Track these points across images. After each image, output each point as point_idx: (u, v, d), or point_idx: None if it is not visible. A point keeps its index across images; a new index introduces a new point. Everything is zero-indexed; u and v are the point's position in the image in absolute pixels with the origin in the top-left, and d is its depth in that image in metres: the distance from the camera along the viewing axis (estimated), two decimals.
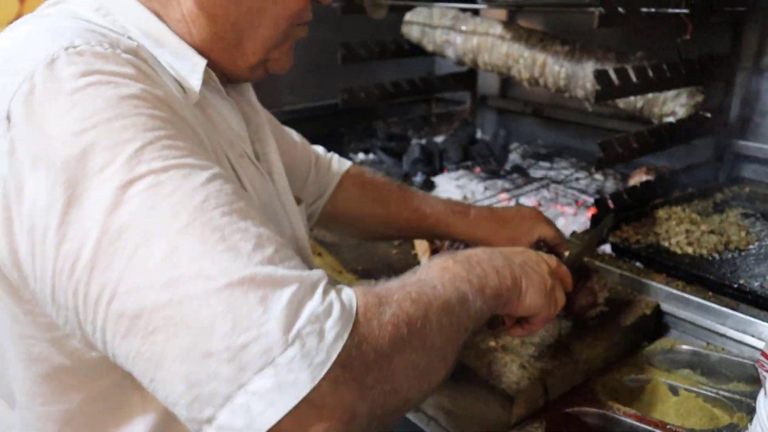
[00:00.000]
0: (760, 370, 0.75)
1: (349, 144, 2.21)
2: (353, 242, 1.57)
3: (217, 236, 0.58)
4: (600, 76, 1.38)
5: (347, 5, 2.02)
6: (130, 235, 0.57)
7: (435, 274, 0.73)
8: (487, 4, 1.74)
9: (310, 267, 0.68)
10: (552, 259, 0.95)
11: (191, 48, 0.79)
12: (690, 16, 1.43)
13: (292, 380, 0.54)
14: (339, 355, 0.57)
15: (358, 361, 0.58)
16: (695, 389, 1.09)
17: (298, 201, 1.04)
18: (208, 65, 0.80)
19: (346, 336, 0.58)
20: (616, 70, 1.42)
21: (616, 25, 1.36)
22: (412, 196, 1.28)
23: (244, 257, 0.58)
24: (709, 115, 1.73)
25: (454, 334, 0.70)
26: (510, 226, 1.23)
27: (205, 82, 0.79)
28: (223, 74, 0.86)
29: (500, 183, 1.98)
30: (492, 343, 1.13)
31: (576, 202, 1.86)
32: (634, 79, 1.46)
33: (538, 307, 0.87)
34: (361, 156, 2.21)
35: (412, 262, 1.44)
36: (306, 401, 0.54)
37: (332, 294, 0.60)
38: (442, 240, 1.38)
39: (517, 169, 2.10)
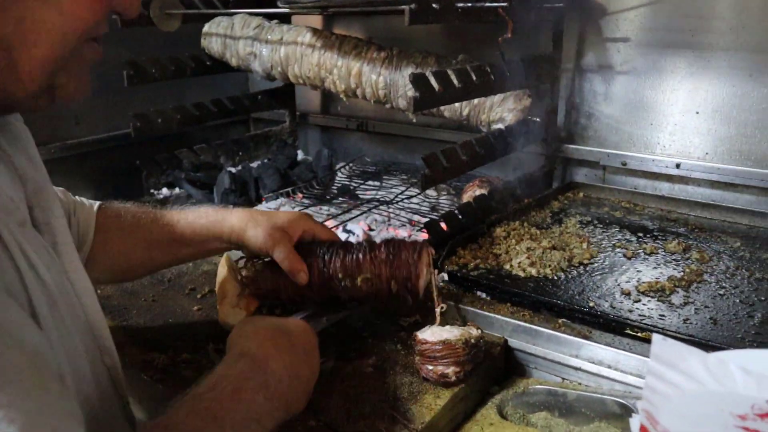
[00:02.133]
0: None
1: (148, 179, 1.88)
2: (144, 302, 1.27)
3: None
4: (418, 81, 1.20)
5: None
6: None
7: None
8: (289, 7, 1.51)
9: (110, 352, 0.78)
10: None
11: None
12: (508, 11, 1.28)
13: None
14: None
15: None
16: None
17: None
18: None
19: None
20: (436, 74, 1.25)
21: (429, 22, 1.19)
22: (170, 213, 1.15)
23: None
24: (537, 119, 1.62)
25: None
26: (272, 216, 1.13)
27: None
28: None
29: (326, 209, 1.76)
30: (312, 422, 0.89)
31: (410, 222, 1.68)
32: (456, 83, 1.29)
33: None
34: (165, 191, 1.89)
35: (214, 319, 1.16)
36: None
37: None
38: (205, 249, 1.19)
39: (344, 190, 1.89)
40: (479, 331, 1.02)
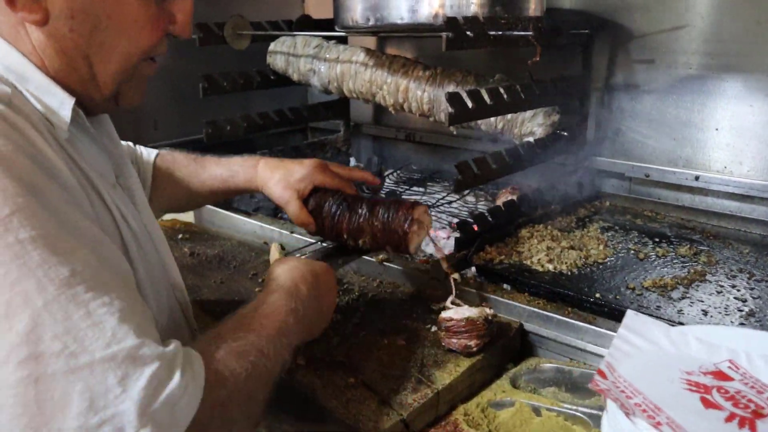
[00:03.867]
0: (594, 388, 0.74)
1: None
2: (213, 283, 1.48)
3: (82, 312, 0.59)
4: (453, 99, 1.38)
5: (205, 36, 1.95)
6: None
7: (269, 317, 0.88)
8: (344, 31, 1.72)
9: (180, 288, 1.01)
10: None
11: (57, 84, 0.78)
12: (536, 38, 1.46)
13: None
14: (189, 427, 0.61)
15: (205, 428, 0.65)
16: (556, 408, 1.08)
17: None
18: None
19: (192, 415, 0.62)
20: (470, 93, 1.43)
21: (464, 48, 1.37)
22: (210, 163, 1.39)
23: (107, 334, 0.59)
24: (565, 133, 1.78)
25: (267, 391, 0.80)
26: (288, 173, 1.33)
27: (72, 118, 0.78)
28: (81, 106, 0.84)
29: None
30: (351, 379, 1.08)
31: (450, 225, 1.86)
32: (488, 101, 1.47)
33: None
34: None
35: None
36: None
37: (188, 373, 0.63)
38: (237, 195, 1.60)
39: (391, 194, 2.08)
40: (492, 310, 1.19)
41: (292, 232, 1.67)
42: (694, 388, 0.75)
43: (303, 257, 1.27)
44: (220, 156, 1.41)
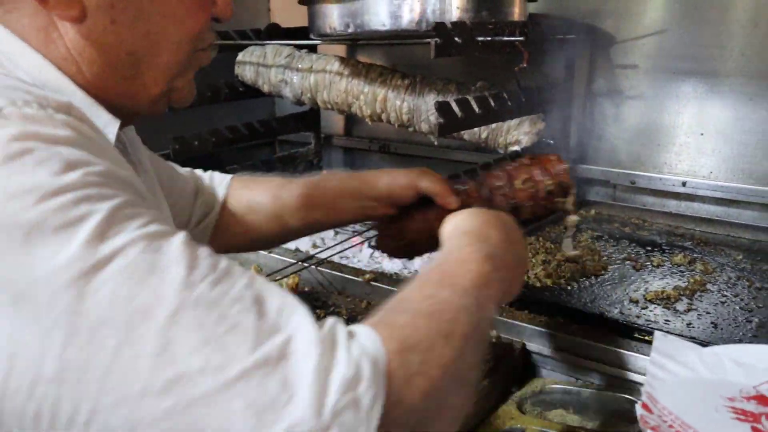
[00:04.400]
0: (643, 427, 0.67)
1: None
2: None
3: (215, 315, 0.48)
4: (442, 108, 1.32)
5: None
6: (106, 334, 0.46)
7: (455, 281, 0.67)
8: (321, 39, 1.64)
9: None
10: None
11: (100, 106, 0.69)
12: (524, 43, 1.41)
13: None
14: (380, 423, 0.47)
15: (399, 425, 0.50)
16: None
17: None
18: (104, 104, 0.69)
19: (382, 398, 0.48)
20: (458, 102, 1.37)
21: (453, 55, 1.31)
22: (296, 180, 1.15)
23: (251, 335, 0.48)
24: (551, 141, 1.73)
25: (480, 354, 0.64)
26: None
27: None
28: (119, 113, 0.72)
29: (351, 226, 1.87)
30: None
31: None
32: (476, 109, 1.41)
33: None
34: None
35: None
36: None
37: (355, 348, 0.50)
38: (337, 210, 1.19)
39: None
40: (494, 332, 1.12)
41: (269, 252, 1.58)
42: (742, 417, 0.70)
43: None
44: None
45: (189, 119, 2.17)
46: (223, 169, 2.13)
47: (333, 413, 0.46)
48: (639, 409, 0.70)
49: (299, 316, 0.52)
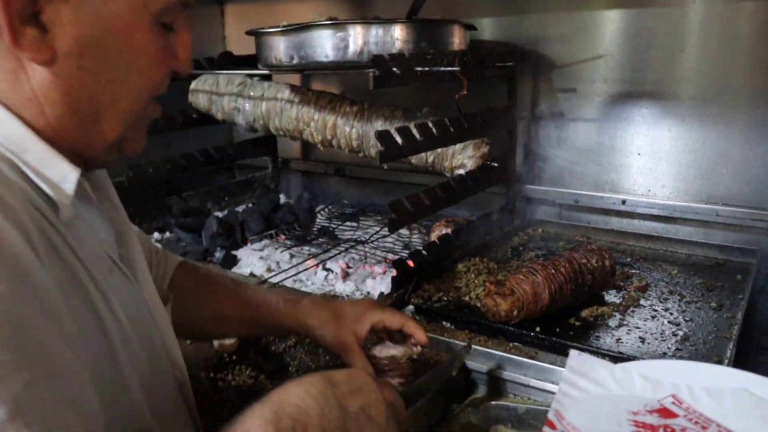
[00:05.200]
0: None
1: (141, 225, 2.03)
2: None
3: None
4: (383, 137, 1.37)
5: None
6: None
7: None
8: (268, 69, 1.68)
9: (180, 369, 0.89)
10: (389, 393, 0.86)
11: (60, 156, 0.71)
12: (462, 73, 1.46)
13: None
14: None
15: None
16: None
17: (165, 300, 0.95)
18: (62, 151, 0.71)
19: None
20: (399, 130, 1.42)
21: (392, 86, 1.36)
22: (245, 288, 1.19)
23: None
24: (495, 164, 1.79)
25: None
26: (340, 313, 1.14)
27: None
28: (78, 159, 0.75)
29: (306, 249, 1.91)
30: None
31: (385, 259, 1.83)
32: (418, 137, 1.46)
33: None
34: (156, 235, 2.04)
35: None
36: None
37: None
38: (273, 332, 1.29)
39: (324, 232, 2.05)
40: (418, 348, 1.15)
41: None
42: (642, 430, 0.75)
43: None
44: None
45: (147, 145, 2.19)
46: (180, 195, 2.17)
47: None
48: (544, 427, 0.75)
49: None
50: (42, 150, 0.69)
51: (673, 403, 0.81)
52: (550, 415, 0.77)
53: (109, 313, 0.74)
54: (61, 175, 0.70)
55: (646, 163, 1.80)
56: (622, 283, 1.48)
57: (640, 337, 1.23)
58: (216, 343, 1.29)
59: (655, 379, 0.85)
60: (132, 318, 0.79)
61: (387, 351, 1.13)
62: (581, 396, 0.82)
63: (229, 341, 1.29)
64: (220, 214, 2.11)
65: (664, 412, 0.79)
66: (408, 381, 1.12)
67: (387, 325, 1.14)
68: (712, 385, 0.84)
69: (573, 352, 0.87)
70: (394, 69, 1.36)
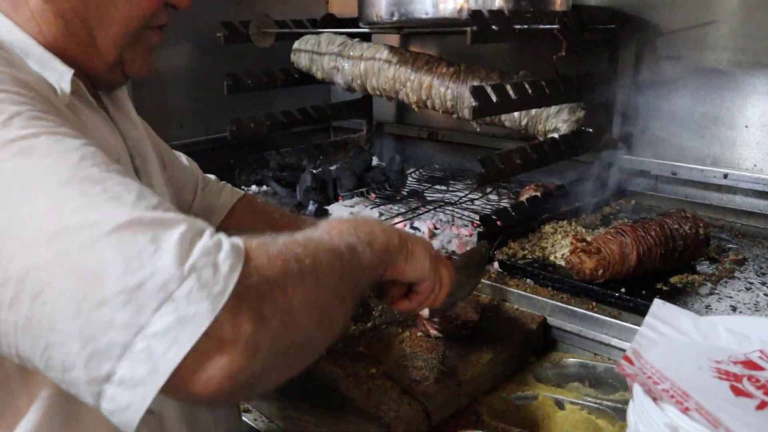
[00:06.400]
0: (621, 373, 0.72)
1: (240, 176, 2.13)
2: None
3: (99, 188, 0.57)
4: (477, 92, 1.37)
5: (230, 34, 1.97)
6: (7, 197, 0.56)
7: (321, 230, 0.73)
8: (368, 27, 1.72)
9: None
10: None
11: (56, 57, 0.78)
12: (562, 32, 1.45)
13: (192, 313, 0.53)
14: (236, 286, 0.55)
15: (253, 292, 0.57)
16: (580, 402, 1.07)
17: None
18: (70, 65, 0.78)
19: (240, 267, 0.56)
20: (494, 87, 1.42)
21: (488, 42, 1.37)
22: (303, 221, 1.23)
23: (128, 204, 0.57)
24: (590, 130, 1.76)
25: (348, 277, 0.69)
26: None
27: (74, 91, 0.78)
28: (88, 80, 0.84)
29: (395, 208, 1.95)
30: (373, 370, 1.08)
31: (472, 223, 1.84)
32: (512, 95, 1.46)
33: (425, 270, 0.87)
34: (253, 188, 2.14)
35: None
36: (208, 334, 0.53)
37: (220, 234, 0.59)
38: None
39: (414, 193, 2.08)
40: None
41: None
42: (724, 377, 0.74)
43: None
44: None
45: (249, 104, 2.30)
46: (278, 151, 2.25)
47: (193, 268, 0.54)
48: (620, 360, 0.75)
49: (177, 211, 0.61)
50: (41, 53, 0.77)
51: (760, 357, 0.79)
52: (628, 352, 0.77)
53: None
54: (58, 75, 0.77)
55: (753, 136, 1.71)
56: (717, 256, 1.43)
57: (731, 306, 1.19)
58: None
59: (742, 333, 0.83)
60: None
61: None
62: (661, 339, 0.81)
63: None
64: (314, 171, 2.18)
65: (750, 365, 0.77)
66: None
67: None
68: None
69: (657, 301, 0.87)
70: (493, 26, 1.37)
